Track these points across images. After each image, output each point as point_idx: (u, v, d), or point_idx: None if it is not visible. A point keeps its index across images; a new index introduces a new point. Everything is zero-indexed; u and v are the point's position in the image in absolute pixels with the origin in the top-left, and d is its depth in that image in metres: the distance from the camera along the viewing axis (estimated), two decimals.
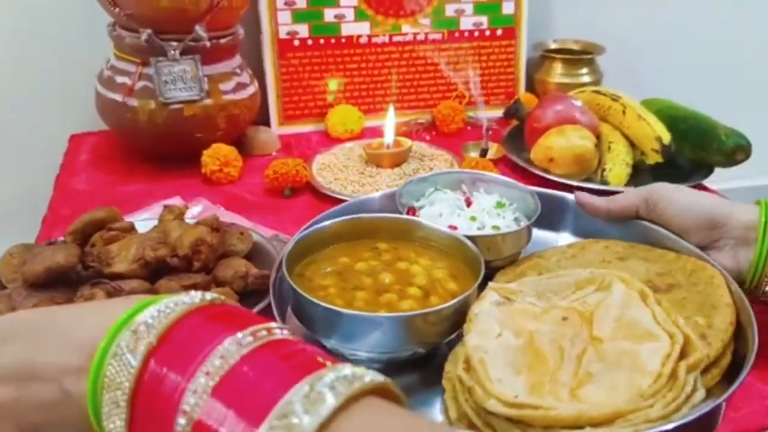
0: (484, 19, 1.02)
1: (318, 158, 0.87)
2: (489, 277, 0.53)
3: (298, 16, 0.95)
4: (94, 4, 0.81)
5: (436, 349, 0.50)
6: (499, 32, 1.03)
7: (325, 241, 0.54)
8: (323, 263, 0.53)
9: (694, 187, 0.82)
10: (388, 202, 0.63)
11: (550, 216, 0.62)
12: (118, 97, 0.81)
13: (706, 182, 0.84)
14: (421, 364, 0.49)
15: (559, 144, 0.82)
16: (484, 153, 0.89)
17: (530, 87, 1.09)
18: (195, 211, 0.73)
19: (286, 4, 0.94)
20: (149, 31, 0.77)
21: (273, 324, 0.30)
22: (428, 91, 1.03)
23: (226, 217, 0.70)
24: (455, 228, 0.57)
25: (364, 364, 0.32)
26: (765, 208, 0.52)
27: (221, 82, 0.83)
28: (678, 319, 0.44)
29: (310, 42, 0.97)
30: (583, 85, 1.01)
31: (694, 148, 0.84)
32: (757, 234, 0.52)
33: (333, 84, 0.99)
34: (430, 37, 1.01)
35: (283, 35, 0.96)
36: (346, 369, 0.27)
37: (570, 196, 0.65)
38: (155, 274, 0.54)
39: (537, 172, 0.83)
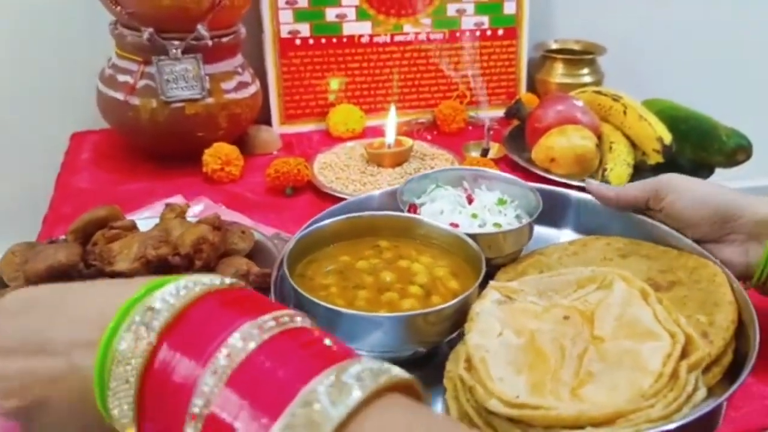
0: (485, 19, 1.02)
1: (319, 157, 0.87)
2: (490, 275, 0.53)
3: (300, 16, 0.96)
4: (96, 2, 0.81)
5: (437, 348, 0.50)
6: (500, 32, 1.03)
7: (326, 240, 0.54)
8: (324, 262, 0.53)
9: None
10: (388, 200, 0.63)
11: (551, 212, 0.62)
12: (119, 96, 0.81)
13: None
14: (422, 363, 0.49)
15: (561, 144, 0.82)
16: (485, 153, 0.89)
17: (531, 87, 1.09)
18: (196, 209, 0.73)
19: (287, 3, 0.95)
20: (151, 29, 0.77)
21: (294, 311, 0.29)
22: (429, 91, 1.03)
23: (228, 215, 0.70)
24: (456, 225, 0.57)
25: None
26: None
27: (223, 81, 0.83)
28: (679, 318, 0.44)
29: (311, 41, 0.97)
30: (585, 85, 1.01)
31: (695, 149, 0.84)
32: None
33: (334, 83, 0.99)
34: (432, 36, 1.01)
35: (284, 34, 0.96)
36: (372, 361, 0.26)
37: (572, 193, 0.65)
38: (157, 272, 0.54)
39: (538, 172, 0.83)
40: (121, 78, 0.81)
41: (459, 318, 0.47)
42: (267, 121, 0.97)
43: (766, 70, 1.25)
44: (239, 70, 0.86)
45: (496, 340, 0.43)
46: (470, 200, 0.62)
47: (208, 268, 0.56)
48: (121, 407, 0.27)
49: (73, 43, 0.96)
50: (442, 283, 0.50)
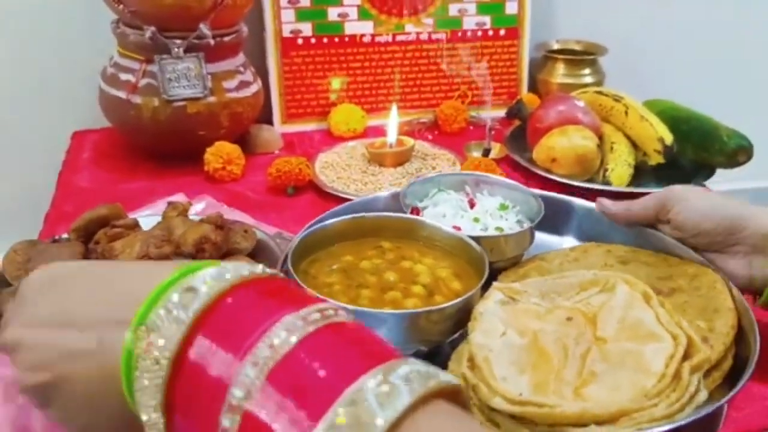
0: (487, 19, 1.02)
1: (321, 157, 0.87)
2: (492, 278, 0.53)
3: (302, 15, 0.96)
4: (98, 1, 0.81)
5: (439, 349, 0.50)
6: (502, 32, 1.03)
7: (330, 239, 0.54)
8: (327, 261, 0.53)
9: None
10: (393, 202, 0.63)
11: (553, 219, 0.62)
12: (121, 95, 0.81)
13: (708, 183, 0.84)
14: None
15: (562, 144, 0.82)
16: (486, 153, 0.90)
17: (533, 87, 1.09)
18: (198, 207, 0.73)
19: (289, 2, 0.95)
20: (153, 28, 0.77)
21: (336, 304, 0.28)
22: (431, 91, 1.03)
23: (229, 214, 0.70)
24: (459, 229, 0.57)
25: None
26: None
27: (225, 80, 0.83)
28: (681, 320, 0.44)
29: (313, 41, 0.97)
30: (586, 85, 1.01)
31: (696, 149, 0.84)
32: None
33: (336, 83, 0.99)
34: (433, 36, 1.01)
35: (286, 33, 0.96)
36: (419, 363, 0.25)
37: (574, 200, 0.65)
38: None
39: (539, 172, 0.83)
40: (123, 77, 0.81)
41: (461, 318, 0.47)
42: (268, 120, 0.97)
43: (767, 71, 1.25)
44: (241, 69, 0.86)
45: (500, 340, 0.43)
46: (472, 205, 0.62)
47: None
48: (148, 390, 0.26)
49: (75, 42, 0.96)
50: (444, 283, 0.50)
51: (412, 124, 0.99)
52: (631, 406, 0.38)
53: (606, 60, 1.08)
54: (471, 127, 1.00)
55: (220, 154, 0.81)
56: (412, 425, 0.22)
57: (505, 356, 0.42)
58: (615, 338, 0.43)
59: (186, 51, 0.79)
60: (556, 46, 1.10)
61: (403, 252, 0.54)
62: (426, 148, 0.90)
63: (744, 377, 0.43)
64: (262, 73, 0.94)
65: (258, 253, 0.60)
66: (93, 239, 0.57)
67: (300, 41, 0.96)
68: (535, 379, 0.41)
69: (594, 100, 0.90)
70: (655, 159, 0.83)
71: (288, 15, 0.95)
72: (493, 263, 0.53)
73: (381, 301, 0.48)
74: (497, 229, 0.59)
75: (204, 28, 0.78)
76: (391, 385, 0.23)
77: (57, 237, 0.59)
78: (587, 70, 1.07)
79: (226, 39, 0.82)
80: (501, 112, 0.98)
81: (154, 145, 0.86)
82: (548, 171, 0.83)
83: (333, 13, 0.97)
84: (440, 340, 0.49)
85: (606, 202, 0.60)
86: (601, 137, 0.85)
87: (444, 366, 0.47)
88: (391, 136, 0.86)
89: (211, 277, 0.27)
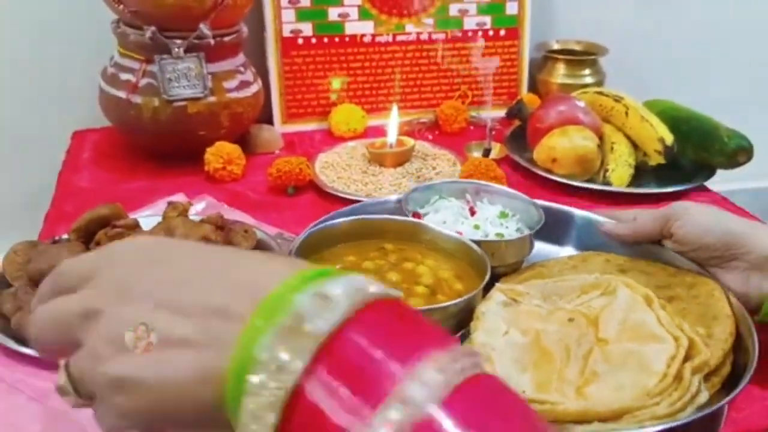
0: (487, 20, 1.02)
1: (321, 157, 0.87)
2: (492, 284, 0.53)
3: (302, 15, 0.96)
4: (98, 1, 0.81)
5: None
6: (502, 32, 1.03)
7: (333, 240, 0.55)
8: (330, 261, 0.53)
9: (696, 188, 0.82)
10: (395, 206, 0.64)
11: (553, 229, 0.62)
12: (121, 94, 0.81)
13: (708, 184, 0.84)
14: None
15: (562, 144, 0.82)
16: (486, 153, 0.90)
17: (533, 87, 1.09)
18: (198, 207, 0.73)
19: (290, 2, 0.94)
20: (153, 28, 0.77)
21: (470, 348, 0.25)
22: (431, 91, 1.03)
23: (230, 214, 0.70)
24: (460, 234, 0.58)
25: None
26: None
27: (225, 80, 0.83)
28: (682, 323, 0.45)
29: (313, 40, 0.97)
30: (586, 86, 1.01)
31: (697, 150, 0.84)
32: None
33: (336, 83, 0.99)
34: (434, 36, 1.01)
35: (286, 33, 0.96)
36: None
37: (574, 210, 0.65)
38: None
39: (540, 172, 0.83)
40: (124, 76, 0.81)
41: (463, 318, 0.47)
42: (269, 120, 0.97)
43: (767, 71, 1.25)
44: (241, 69, 0.86)
45: (502, 339, 0.44)
46: (473, 212, 0.63)
47: None
48: (259, 412, 0.21)
49: (75, 42, 0.96)
50: (447, 284, 0.51)
51: (413, 124, 0.99)
52: (634, 404, 0.39)
53: (606, 60, 1.08)
54: (471, 128, 1.00)
55: (221, 154, 0.81)
56: None
57: (508, 355, 0.42)
58: (617, 339, 0.43)
59: (186, 51, 0.79)
60: (556, 47, 1.10)
61: (405, 254, 0.54)
62: (426, 148, 0.90)
63: (745, 378, 0.44)
64: (263, 73, 0.94)
65: None
66: (93, 240, 0.57)
67: (300, 41, 0.96)
68: (538, 377, 0.41)
69: (594, 101, 0.90)
70: (656, 159, 0.83)
71: (288, 15, 0.95)
72: (493, 268, 0.53)
73: None
74: (497, 235, 0.59)
75: (204, 28, 0.78)
76: None
77: (57, 237, 0.59)
78: (587, 71, 1.07)
79: (227, 39, 0.82)
80: (501, 113, 0.98)
81: (154, 145, 0.85)
82: (549, 171, 0.83)
83: (333, 13, 0.97)
84: None
85: (610, 225, 0.60)
86: (601, 137, 0.85)
87: None
88: (392, 136, 0.86)
89: (343, 288, 0.23)
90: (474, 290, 0.48)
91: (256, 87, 0.88)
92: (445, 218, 0.61)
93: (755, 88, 1.24)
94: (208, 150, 0.81)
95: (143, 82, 0.80)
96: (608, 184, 0.81)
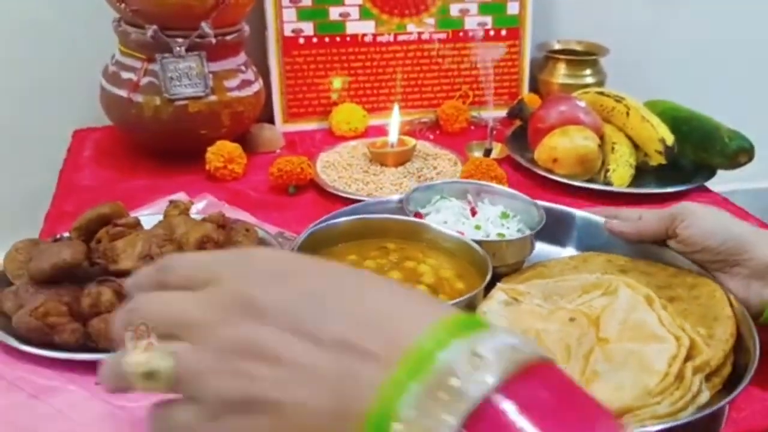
0: (488, 19, 1.02)
1: (322, 156, 0.87)
2: (493, 283, 0.53)
3: (303, 14, 0.96)
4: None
5: None
6: (503, 32, 1.03)
7: (334, 239, 0.55)
8: (332, 260, 0.53)
9: (697, 188, 0.82)
10: (397, 205, 0.64)
11: (555, 229, 0.62)
12: (123, 93, 0.81)
13: (709, 184, 0.84)
14: None
15: (563, 144, 0.82)
16: (487, 153, 0.90)
17: (534, 87, 1.09)
18: (199, 206, 0.73)
19: (291, 1, 0.94)
20: (155, 27, 0.77)
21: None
22: (432, 91, 1.03)
23: (231, 213, 0.70)
24: (462, 234, 0.58)
25: None
26: None
27: (226, 79, 0.83)
28: (684, 323, 0.45)
29: (315, 40, 0.97)
30: (587, 86, 1.01)
31: (697, 150, 0.84)
32: None
33: (337, 82, 0.99)
34: (435, 36, 1.01)
35: (288, 33, 0.96)
36: None
37: (576, 211, 0.65)
38: None
39: (540, 172, 0.83)
40: (125, 75, 0.81)
41: None
42: (270, 119, 0.97)
43: None
44: (242, 68, 0.86)
45: None
46: (474, 213, 0.63)
47: None
48: None
49: (77, 40, 0.96)
50: (448, 283, 0.51)
51: (414, 124, 0.99)
52: (634, 403, 0.39)
53: (607, 60, 1.08)
54: (472, 127, 1.00)
55: (222, 153, 0.81)
56: None
57: None
58: (617, 339, 0.43)
59: (188, 50, 0.79)
60: (557, 47, 1.10)
61: (406, 253, 0.54)
62: (427, 148, 0.90)
63: (745, 378, 0.44)
64: (264, 72, 0.94)
65: None
66: (94, 238, 0.57)
67: (301, 40, 0.96)
68: None
69: (595, 101, 0.90)
70: (656, 159, 0.83)
71: (289, 14, 0.95)
72: (494, 269, 0.53)
73: None
74: (499, 235, 0.59)
75: (206, 27, 0.78)
76: None
77: (58, 236, 0.59)
78: (588, 71, 1.07)
79: (228, 38, 0.82)
80: (502, 112, 0.98)
81: (155, 143, 0.86)
82: (549, 171, 0.83)
83: (334, 13, 0.97)
84: None
85: (614, 223, 0.60)
86: (602, 137, 0.85)
87: None
88: (393, 135, 0.86)
89: (501, 348, 0.21)
90: (475, 289, 0.48)
91: (257, 86, 0.88)
92: (447, 218, 0.61)
93: (756, 88, 1.24)
94: (209, 149, 0.81)
95: (144, 80, 0.80)
96: (609, 184, 0.81)
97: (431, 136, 0.97)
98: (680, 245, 0.55)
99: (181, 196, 0.74)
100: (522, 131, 0.92)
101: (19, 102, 0.98)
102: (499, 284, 0.50)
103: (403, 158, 0.85)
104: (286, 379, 0.23)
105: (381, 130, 0.93)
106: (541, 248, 0.61)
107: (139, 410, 0.45)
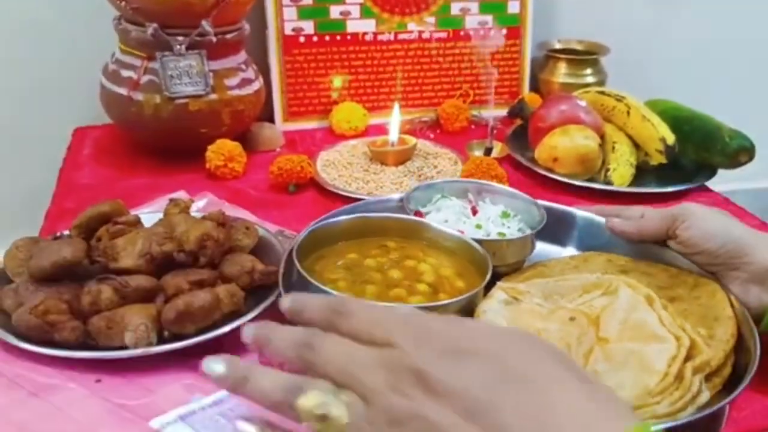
0: (489, 18, 1.02)
1: (322, 155, 0.87)
2: (493, 283, 0.53)
3: (304, 13, 0.95)
4: None
5: None
6: (504, 31, 1.03)
7: (334, 238, 0.55)
8: (332, 258, 0.53)
9: (697, 188, 0.82)
10: (398, 204, 0.64)
11: (556, 229, 0.62)
12: (123, 91, 0.81)
13: (709, 184, 0.84)
14: None
15: (564, 144, 0.82)
16: (488, 152, 0.90)
17: (534, 87, 1.09)
18: (199, 205, 0.73)
19: (291, 0, 0.94)
20: (155, 25, 0.77)
21: None
22: (433, 90, 1.03)
23: (231, 211, 0.69)
24: (462, 233, 0.57)
25: None
26: None
27: (226, 78, 0.83)
28: (684, 323, 0.45)
29: (315, 38, 0.97)
30: (588, 85, 1.01)
31: (698, 150, 0.84)
32: None
33: (338, 81, 0.99)
34: (435, 35, 1.01)
35: (288, 31, 0.96)
36: None
37: (576, 211, 0.65)
38: (160, 269, 0.54)
39: (541, 171, 0.83)
40: (125, 73, 0.81)
41: (465, 316, 0.47)
42: (270, 118, 0.97)
43: None
44: (243, 66, 0.86)
45: None
46: (474, 212, 0.63)
47: (213, 265, 0.56)
48: None
49: (77, 38, 0.96)
50: (448, 282, 0.51)
51: (414, 123, 0.99)
52: (634, 403, 0.39)
53: (608, 60, 1.08)
54: (473, 126, 1.00)
55: (222, 151, 0.81)
56: None
57: None
58: (618, 339, 0.43)
59: (188, 48, 0.79)
60: (558, 46, 1.10)
61: (407, 251, 0.54)
62: (428, 147, 0.90)
63: (746, 379, 0.44)
64: (264, 70, 0.94)
65: (259, 250, 0.60)
66: (95, 236, 0.57)
67: (302, 39, 0.96)
68: None
69: (596, 100, 0.90)
70: (657, 159, 0.83)
71: (290, 13, 0.95)
72: (494, 268, 0.53)
73: (386, 297, 0.48)
74: (499, 234, 0.59)
75: (206, 26, 0.78)
76: None
77: (58, 234, 0.59)
78: (589, 70, 1.07)
79: (228, 36, 0.82)
80: (503, 112, 0.98)
81: (155, 142, 0.86)
82: (550, 170, 0.83)
83: (335, 11, 0.97)
84: None
85: (616, 222, 0.60)
86: (602, 137, 0.85)
87: None
88: (393, 134, 0.86)
89: None
90: (475, 288, 0.48)
91: (257, 85, 0.88)
92: (447, 217, 0.61)
93: (757, 88, 1.24)
94: (210, 147, 0.81)
95: (145, 79, 0.80)
96: (609, 183, 0.81)
97: (432, 135, 0.97)
98: (680, 246, 0.55)
99: (181, 195, 0.74)
100: (522, 130, 0.92)
101: (19, 101, 0.98)
102: (499, 283, 0.50)
103: (403, 157, 0.85)
104: None
105: (381, 129, 0.93)
106: (542, 248, 0.61)
107: (138, 408, 0.45)
